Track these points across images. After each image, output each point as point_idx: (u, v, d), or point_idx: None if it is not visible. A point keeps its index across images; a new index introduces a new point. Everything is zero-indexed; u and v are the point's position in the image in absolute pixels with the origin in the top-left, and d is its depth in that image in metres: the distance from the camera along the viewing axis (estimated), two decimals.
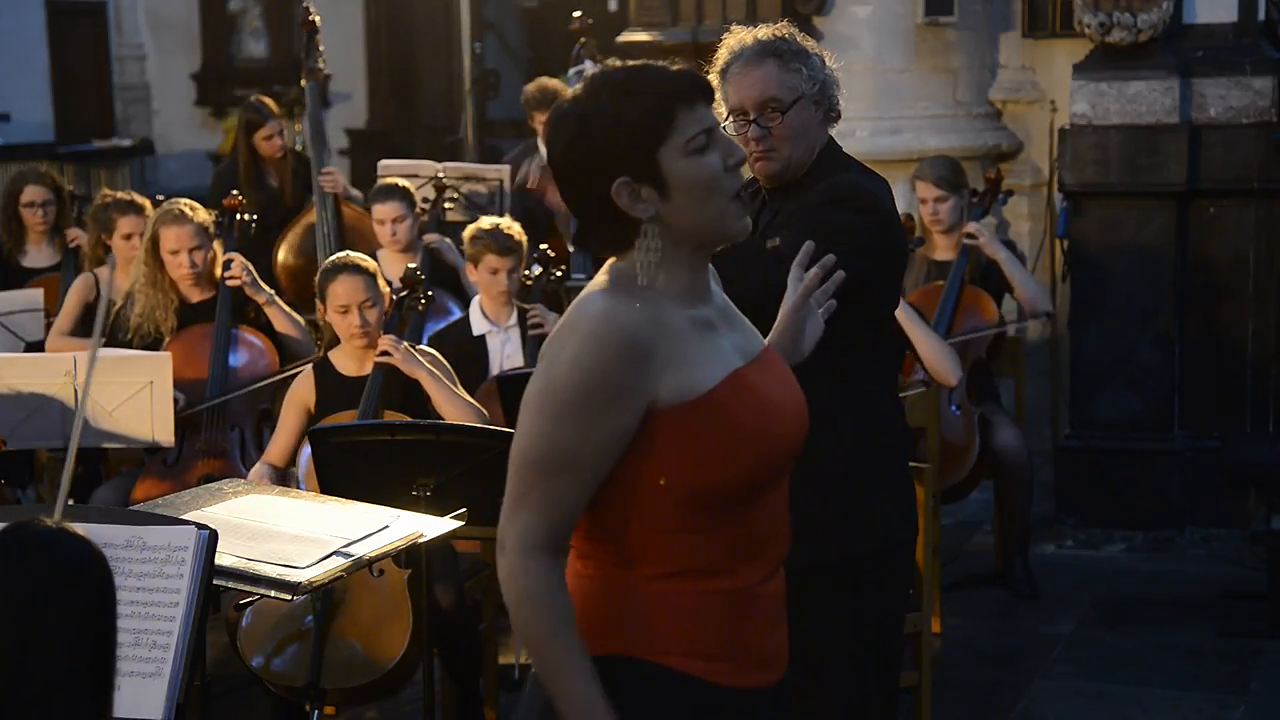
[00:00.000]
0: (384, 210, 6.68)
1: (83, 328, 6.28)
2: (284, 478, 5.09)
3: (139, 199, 6.52)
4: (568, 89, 7.74)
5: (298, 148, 7.80)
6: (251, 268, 5.84)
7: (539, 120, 7.91)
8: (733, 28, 3.52)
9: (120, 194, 6.59)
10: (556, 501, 2.43)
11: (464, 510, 3.75)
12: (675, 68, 2.53)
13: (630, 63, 2.56)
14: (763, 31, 3.45)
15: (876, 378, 3.49)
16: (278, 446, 5.11)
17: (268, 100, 7.78)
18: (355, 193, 7.62)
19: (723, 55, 3.47)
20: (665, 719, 2.47)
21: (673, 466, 2.43)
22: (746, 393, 2.49)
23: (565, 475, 2.42)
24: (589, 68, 7.62)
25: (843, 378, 3.36)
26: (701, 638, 2.48)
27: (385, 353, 5.00)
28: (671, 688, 2.47)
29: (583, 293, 2.50)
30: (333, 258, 5.27)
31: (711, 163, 2.47)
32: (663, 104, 2.44)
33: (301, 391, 5.12)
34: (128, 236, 6.35)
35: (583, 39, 7.80)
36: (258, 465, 5.12)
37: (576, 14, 7.82)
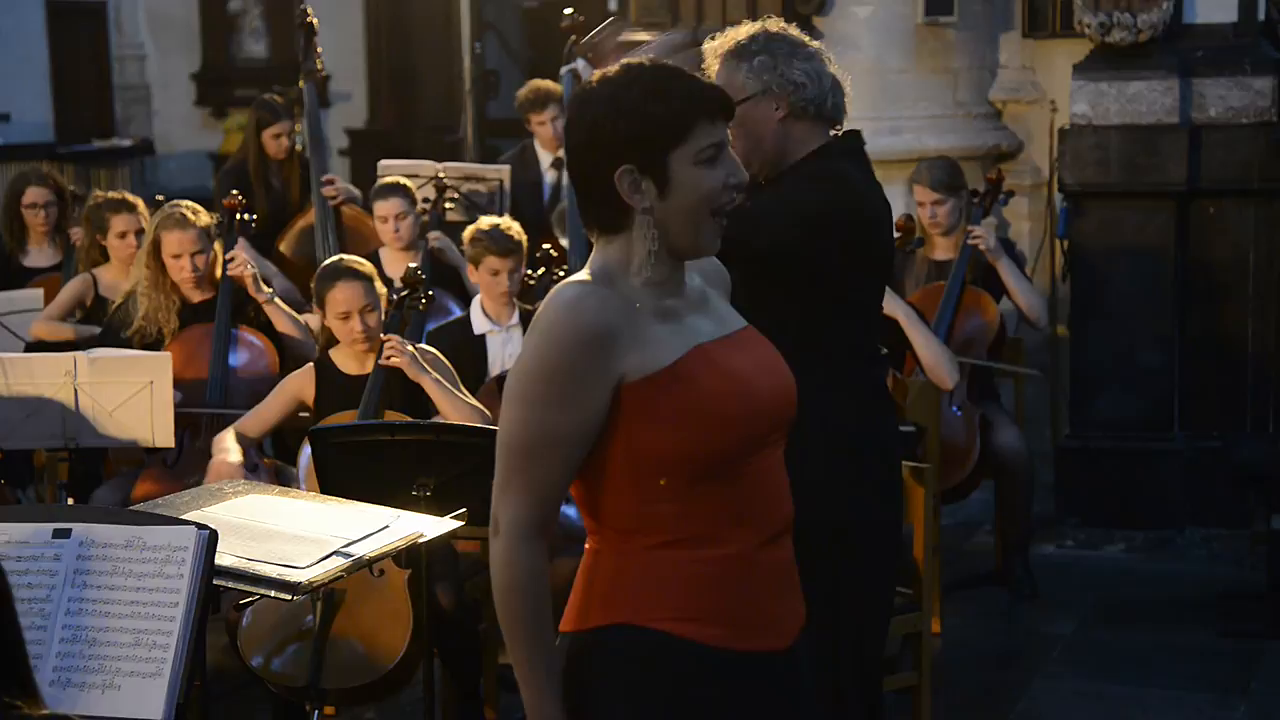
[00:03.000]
0: (385, 207, 6.67)
1: (72, 319, 6.28)
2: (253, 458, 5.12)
3: (130, 197, 6.52)
4: (560, 90, 7.76)
5: (298, 148, 7.80)
6: (255, 266, 5.84)
7: (534, 123, 7.91)
8: (742, 24, 3.55)
9: (112, 193, 6.60)
10: (539, 484, 2.56)
11: (464, 510, 3.75)
12: (705, 80, 2.67)
13: (666, 63, 2.67)
14: (743, 31, 3.50)
15: (849, 359, 3.48)
16: (254, 419, 5.13)
17: (281, 99, 7.77)
18: (356, 192, 7.61)
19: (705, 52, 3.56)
20: (664, 682, 2.58)
21: (650, 441, 2.54)
22: (709, 366, 2.60)
23: (544, 458, 2.55)
24: (581, 67, 7.60)
25: (812, 359, 3.33)
26: (699, 603, 2.58)
27: (392, 352, 5.00)
28: (670, 652, 2.57)
29: (557, 285, 2.64)
30: (328, 262, 5.27)
31: (715, 176, 2.61)
32: (688, 111, 2.58)
33: (299, 382, 5.12)
34: (122, 235, 6.36)
35: (574, 37, 7.79)
36: (227, 435, 5.09)
37: (568, 11, 7.81)
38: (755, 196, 3.36)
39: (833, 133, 3.57)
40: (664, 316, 2.60)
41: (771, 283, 3.40)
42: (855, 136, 3.60)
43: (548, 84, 7.99)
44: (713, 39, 3.55)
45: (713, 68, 3.50)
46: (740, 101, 3.43)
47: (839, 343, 3.49)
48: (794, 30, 3.55)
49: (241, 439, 5.10)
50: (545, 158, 7.93)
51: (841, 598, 3.45)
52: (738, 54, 3.47)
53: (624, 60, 2.66)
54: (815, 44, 3.55)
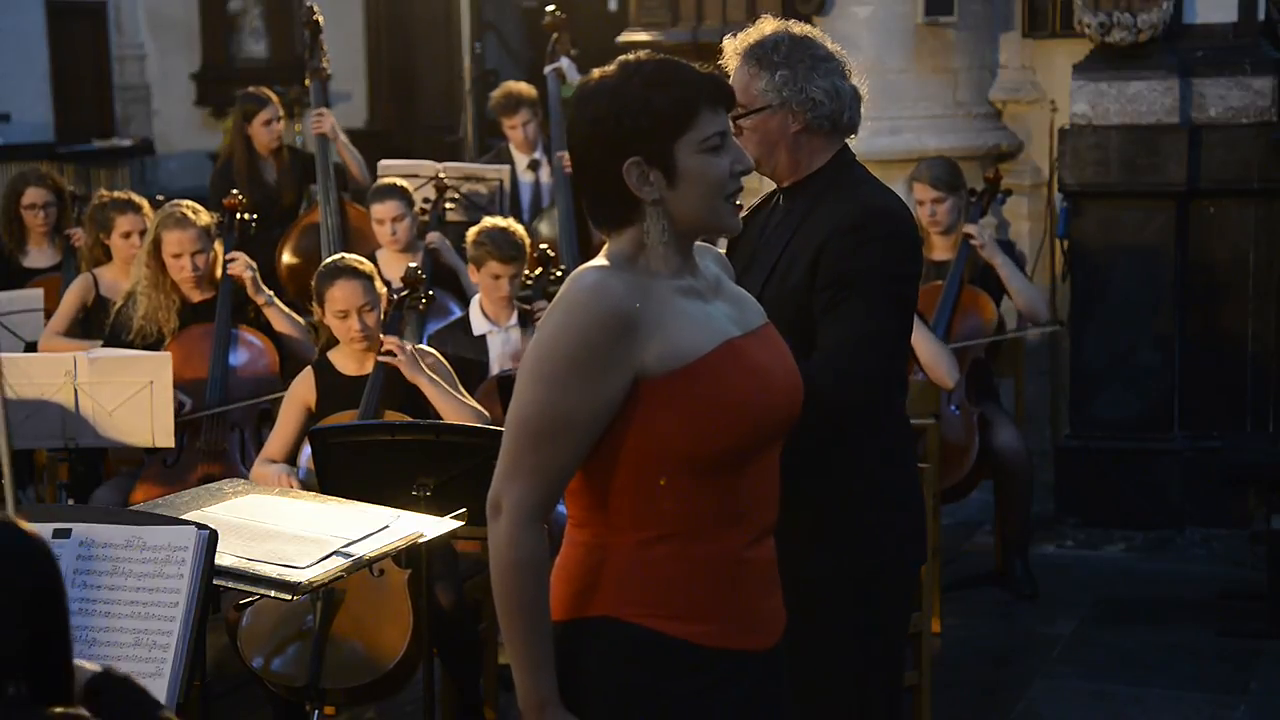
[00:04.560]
0: (383, 210, 6.68)
1: (78, 328, 6.28)
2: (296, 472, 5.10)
3: (136, 198, 6.52)
4: (534, 93, 7.75)
5: (298, 145, 7.79)
6: (255, 267, 5.84)
7: (508, 126, 7.88)
8: (764, 18, 3.52)
9: (117, 193, 6.60)
10: (548, 467, 2.56)
11: (464, 510, 3.75)
12: (704, 69, 2.66)
13: (663, 56, 2.67)
14: (766, 30, 3.46)
15: (896, 394, 3.49)
16: (276, 444, 5.11)
17: (264, 89, 7.77)
18: (344, 137, 7.60)
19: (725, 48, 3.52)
20: (645, 677, 2.58)
21: (663, 434, 2.53)
22: (738, 362, 2.60)
23: (557, 441, 2.54)
24: (565, 65, 7.59)
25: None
26: (684, 599, 2.59)
27: (390, 353, 5.00)
28: (652, 647, 2.58)
29: (577, 270, 2.63)
30: (328, 260, 5.26)
31: (720, 164, 2.61)
32: (690, 99, 2.58)
33: (301, 390, 5.12)
34: (126, 235, 6.35)
35: (555, 35, 7.77)
36: (261, 464, 5.11)
37: (549, 8, 7.77)
38: (827, 302, 3.35)
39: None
40: (685, 297, 2.61)
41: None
42: (847, 148, 3.58)
43: (520, 86, 7.96)
44: (733, 36, 3.52)
45: (731, 64, 3.47)
46: (756, 110, 3.42)
47: (901, 365, 3.49)
48: (818, 34, 3.51)
49: (280, 465, 5.08)
50: (521, 160, 7.90)
51: (875, 629, 3.42)
52: (759, 61, 3.42)
53: (620, 57, 2.65)
54: (839, 54, 3.50)
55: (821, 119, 3.42)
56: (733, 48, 3.48)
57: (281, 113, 7.65)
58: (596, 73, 2.65)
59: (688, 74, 2.61)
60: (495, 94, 8.01)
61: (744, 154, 2.65)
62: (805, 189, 3.45)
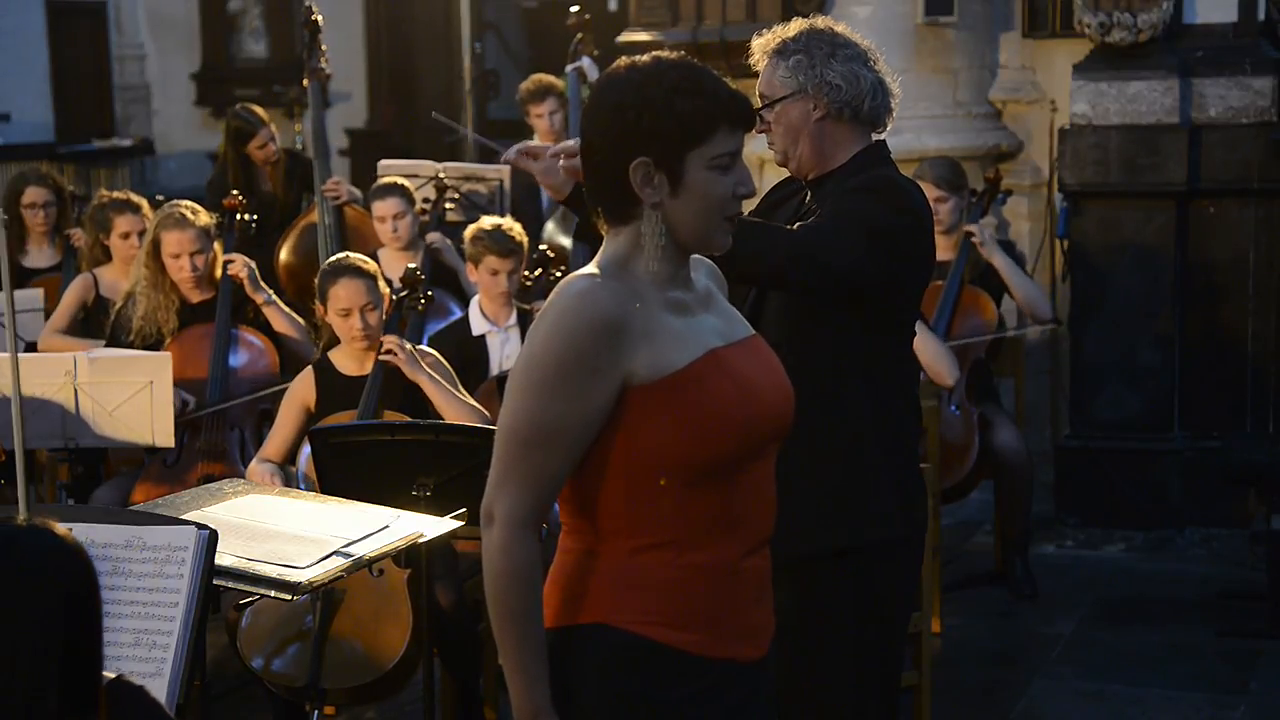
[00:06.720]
0: (384, 207, 6.68)
1: (78, 328, 6.28)
2: (284, 475, 5.10)
3: (135, 198, 6.53)
4: (564, 86, 7.76)
5: (298, 147, 7.78)
6: (254, 266, 5.84)
7: (534, 114, 7.89)
8: (795, 20, 3.54)
9: (116, 194, 6.60)
10: (538, 475, 2.55)
11: (464, 510, 3.75)
12: (734, 87, 2.65)
13: (695, 62, 2.65)
14: (791, 28, 3.50)
15: (893, 373, 3.47)
16: (275, 443, 5.12)
17: (256, 109, 7.75)
18: (358, 193, 7.61)
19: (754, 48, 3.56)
20: (636, 685, 2.57)
21: (651, 442, 2.53)
22: (722, 371, 2.59)
23: (547, 448, 2.54)
24: (586, 65, 7.60)
25: (860, 370, 3.37)
26: (677, 608, 2.58)
27: (390, 351, 5.01)
28: (643, 654, 2.57)
29: (566, 278, 2.63)
30: (333, 259, 5.28)
31: (726, 183, 2.60)
32: (713, 113, 2.57)
33: (301, 390, 5.13)
34: (125, 236, 6.36)
35: (580, 35, 7.79)
36: (256, 464, 5.11)
37: (574, 9, 7.80)
38: (821, 216, 3.34)
39: (875, 136, 3.53)
40: (673, 310, 2.60)
41: (834, 300, 3.36)
42: (883, 145, 3.57)
43: (551, 78, 7.99)
44: (760, 35, 3.54)
45: (760, 64, 3.50)
46: (778, 100, 3.43)
47: (885, 354, 3.47)
48: (841, 28, 3.52)
49: (275, 467, 5.09)
50: None
51: (873, 613, 3.41)
52: (779, 51, 3.46)
53: (653, 53, 2.64)
54: (864, 44, 3.52)
55: (841, 105, 3.42)
56: (760, 46, 3.50)
57: (275, 131, 7.65)
58: (625, 61, 2.63)
59: (716, 87, 2.59)
60: (524, 83, 8.04)
61: (749, 179, 2.64)
62: (831, 182, 3.44)
